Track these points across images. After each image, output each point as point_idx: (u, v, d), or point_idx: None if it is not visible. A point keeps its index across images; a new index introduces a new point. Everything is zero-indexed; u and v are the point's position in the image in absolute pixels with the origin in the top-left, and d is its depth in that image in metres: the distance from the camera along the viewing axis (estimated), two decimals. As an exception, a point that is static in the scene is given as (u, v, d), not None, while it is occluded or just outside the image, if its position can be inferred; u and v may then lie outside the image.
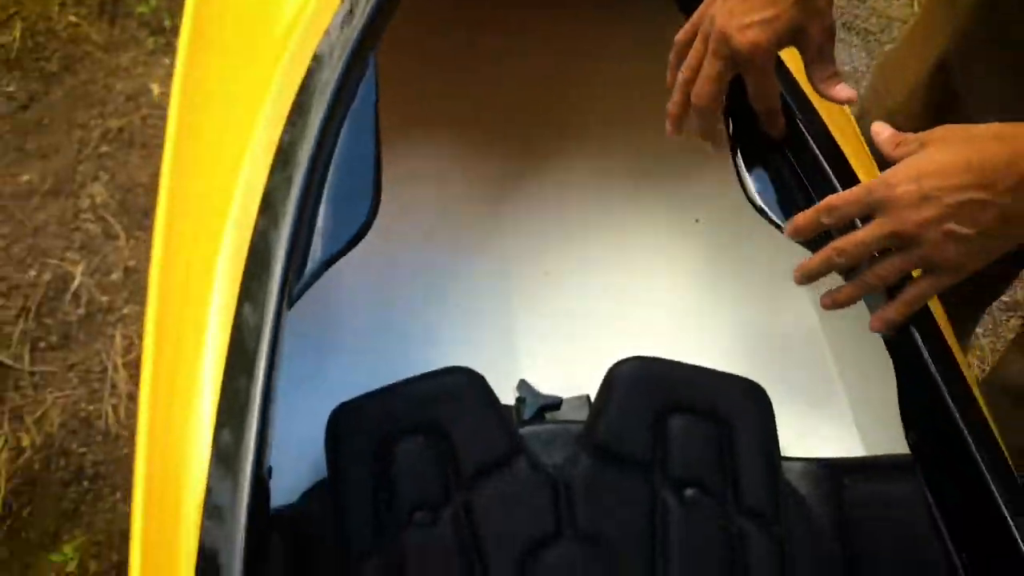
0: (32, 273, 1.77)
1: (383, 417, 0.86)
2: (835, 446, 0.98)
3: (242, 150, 0.80)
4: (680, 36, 0.83)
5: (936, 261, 0.69)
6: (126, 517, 1.52)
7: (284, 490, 0.80)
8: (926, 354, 0.75)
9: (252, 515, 0.64)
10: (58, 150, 1.92)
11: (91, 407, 1.64)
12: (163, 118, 1.95)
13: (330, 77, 0.82)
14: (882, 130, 0.74)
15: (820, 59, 0.79)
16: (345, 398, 0.88)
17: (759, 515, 0.85)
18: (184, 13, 1.01)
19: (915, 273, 0.74)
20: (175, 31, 2.05)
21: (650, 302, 1.16)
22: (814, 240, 0.77)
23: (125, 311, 1.74)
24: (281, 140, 0.79)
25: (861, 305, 0.82)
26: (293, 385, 0.75)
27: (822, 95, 0.81)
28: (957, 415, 0.73)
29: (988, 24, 0.89)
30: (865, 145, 0.96)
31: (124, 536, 1.51)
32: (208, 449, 0.68)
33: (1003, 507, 0.70)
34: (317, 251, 0.76)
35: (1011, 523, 0.70)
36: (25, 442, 1.59)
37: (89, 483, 1.57)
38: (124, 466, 1.58)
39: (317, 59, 0.84)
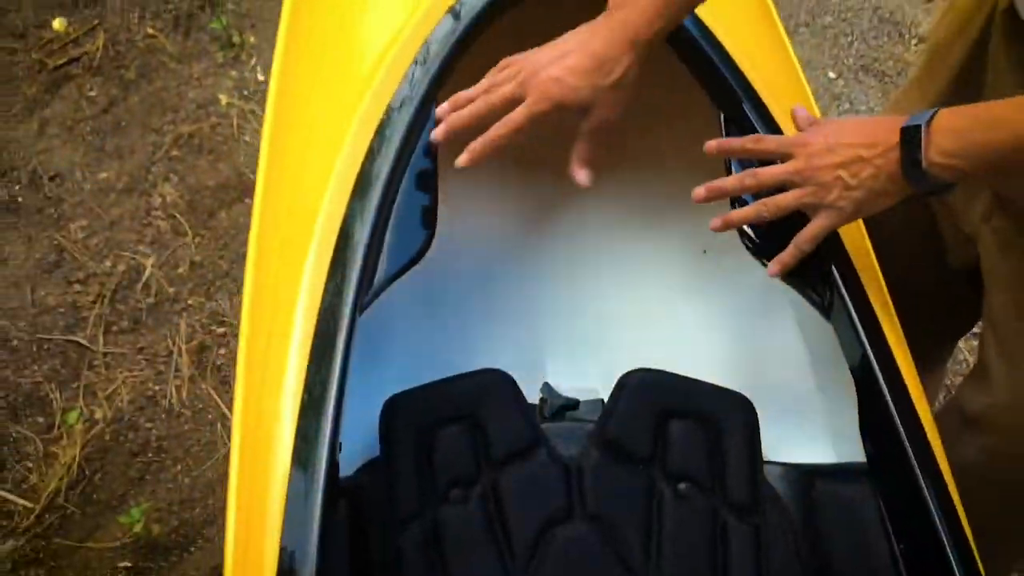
0: (108, 264, 1.92)
1: (428, 408, 0.99)
2: (810, 453, 1.09)
3: (325, 181, 0.94)
4: (501, 62, 0.94)
5: (823, 200, 0.88)
6: (186, 487, 1.69)
7: (343, 465, 0.90)
8: (879, 378, 0.89)
9: (328, 481, 0.79)
10: (133, 151, 2.07)
11: (157, 387, 1.79)
12: (230, 127, 2.11)
13: (403, 122, 0.95)
14: (799, 111, 0.95)
15: (587, 140, 0.94)
16: (396, 391, 1.01)
17: (741, 509, 0.98)
18: (275, 57, 1.14)
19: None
20: (243, 46, 2.21)
21: (658, 321, 1.28)
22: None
23: (190, 302, 1.88)
24: (358, 176, 0.93)
25: (833, 340, 0.96)
26: (355, 380, 0.87)
27: (570, 168, 0.95)
28: (901, 430, 0.88)
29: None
30: None
31: (184, 503, 1.67)
32: (293, 427, 0.82)
33: (931, 507, 0.85)
34: (383, 269, 0.90)
35: (936, 519, 0.84)
36: (98, 415, 1.74)
37: (154, 455, 1.72)
38: (185, 441, 1.74)
39: (392, 105, 0.96)
